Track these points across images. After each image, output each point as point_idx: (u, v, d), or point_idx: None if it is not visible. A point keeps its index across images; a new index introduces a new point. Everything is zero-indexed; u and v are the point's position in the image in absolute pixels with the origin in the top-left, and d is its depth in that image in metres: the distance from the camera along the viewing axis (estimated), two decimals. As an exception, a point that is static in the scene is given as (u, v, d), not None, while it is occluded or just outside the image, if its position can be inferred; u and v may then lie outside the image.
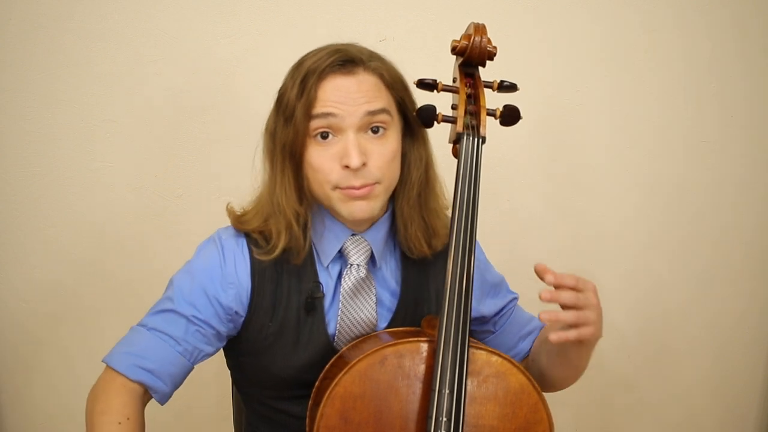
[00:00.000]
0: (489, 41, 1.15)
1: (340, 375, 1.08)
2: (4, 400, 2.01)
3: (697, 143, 2.11)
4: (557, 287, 1.08)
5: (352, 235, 1.25)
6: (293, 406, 1.27)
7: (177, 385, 1.23)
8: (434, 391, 1.06)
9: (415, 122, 1.23)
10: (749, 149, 2.14)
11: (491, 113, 1.15)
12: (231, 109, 1.88)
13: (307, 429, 1.14)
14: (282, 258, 1.23)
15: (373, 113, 1.14)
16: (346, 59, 1.15)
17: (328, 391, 1.08)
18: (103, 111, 1.85)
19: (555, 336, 1.07)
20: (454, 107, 1.18)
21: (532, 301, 2.05)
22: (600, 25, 2.00)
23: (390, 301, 1.29)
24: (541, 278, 1.07)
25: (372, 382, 1.09)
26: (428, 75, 1.18)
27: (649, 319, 2.23)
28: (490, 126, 1.13)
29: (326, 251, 1.25)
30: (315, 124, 1.14)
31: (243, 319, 1.24)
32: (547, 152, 2.07)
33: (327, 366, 1.18)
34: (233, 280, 1.22)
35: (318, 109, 1.13)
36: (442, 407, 1.06)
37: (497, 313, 1.40)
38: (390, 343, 1.10)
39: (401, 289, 1.29)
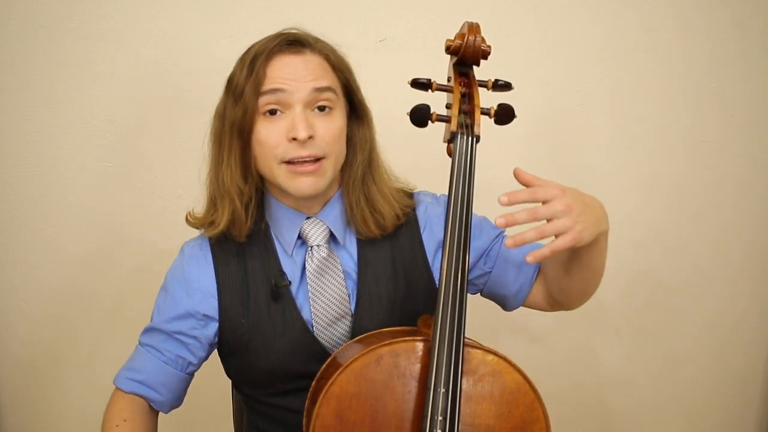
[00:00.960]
0: (483, 40, 1.15)
1: (336, 374, 1.09)
2: (4, 400, 2.02)
3: (697, 143, 2.11)
4: (512, 204, 1.02)
5: (307, 218, 1.27)
6: (289, 400, 1.28)
7: (174, 392, 1.31)
8: (430, 390, 1.06)
9: (360, 105, 1.27)
10: (749, 149, 2.14)
11: (485, 112, 1.15)
12: (231, 109, 1.88)
13: (303, 428, 1.14)
14: (244, 251, 1.27)
15: (320, 89, 1.18)
16: (294, 40, 1.20)
17: (324, 391, 1.08)
18: (103, 111, 1.86)
19: (530, 256, 1.01)
20: (448, 106, 1.18)
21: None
22: (600, 25, 1.99)
23: (356, 275, 1.30)
24: (520, 182, 1.06)
25: (368, 382, 1.09)
26: (428, 75, 1.18)
27: (649, 318, 2.23)
28: (486, 125, 1.13)
29: (286, 239, 1.28)
30: (264, 100, 1.18)
31: (217, 320, 1.27)
32: (547, 152, 2.07)
33: (323, 366, 1.18)
34: (197, 285, 1.27)
35: (267, 85, 1.17)
36: (438, 406, 1.06)
37: (485, 252, 1.36)
38: (385, 342, 1.10)
39: (358, 265, 1.30)
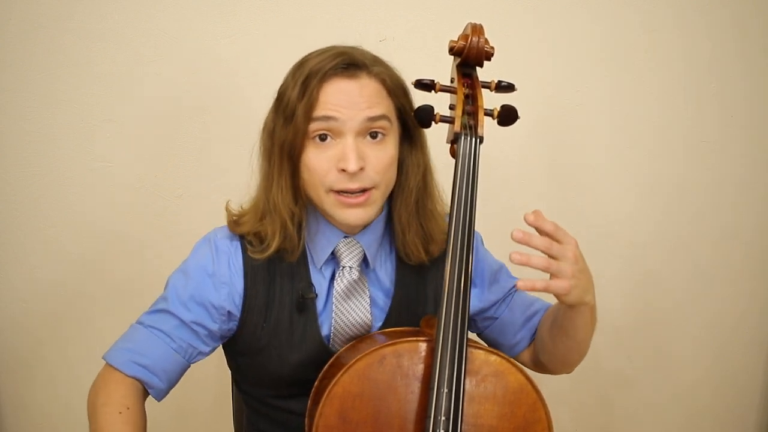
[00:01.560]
0: (486, 41, 1.15)
1: (339, 374, 1.08)
2: (4, 400, 2.02)
3: (697, 143, 2.11)
4: (535, 229, 1.05)
5: (345, 237, 1.25)
6: (292, 403, 1.27)
7: (172, 381, 1.25)
8: (433, 390, 1.06)
9: (414, 128, 1.24)
10: (749, 149, 2.14)
11: (489, 113, 1.14)
12: (231, 109, 1.88)
13: (306, 428, 1.14)
14: (275, 258, 1.23)
15: (373, 119, 1.14)
16: (350, 63, 1.15)
17: (327, 391, 1.08)
18: (103, 111, 1.85)
19: (522, 282, 1.02)
20: (451, 107, 1.18)
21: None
22: (600, 25, 1.99)
23: (384, 302, 1.29)
24: (527, 222, 1.06)
25: (371, 382, 1.09)
26: (428, 75, 1.18)
27: (649, 318, 2.23)
28: (489, 126, 1.13)
29: (319, 253, 1.26)
30: (315, 126, 1.14)
31: (237, 319, 1.25)
32: (547, 152, 2.07)
33: (326, 366, 1.18)
34: (225, 280, 1.23)
35: (319, 111, 1.13)
36: (441, 406, 1.06)
37: (498, 300, 1.38)
38: (389, 342, 1.10)
39: (395, 289, 1.29)
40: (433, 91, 1.17)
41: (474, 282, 1.35)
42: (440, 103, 1.20)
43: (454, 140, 1.14)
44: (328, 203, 1.17)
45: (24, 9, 1.77)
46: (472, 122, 1.13)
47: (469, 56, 1.15)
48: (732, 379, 2.33)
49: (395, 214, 1.27)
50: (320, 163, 1.15)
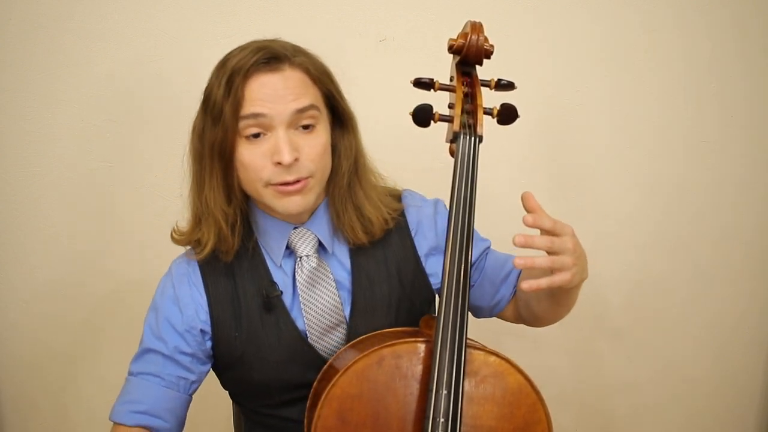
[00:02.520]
0: (486, 39, 1.14)
1: (337, 376, 1.09)
2: (5, 400, 2.02)
3: (697, 143, 2.11)
4: (534, 227, 1.06)
5: (295, 228, 1.26)
6: (287, 410, 1.28)
7: (179, 417, 1.28)
8: (432, 391, 1.06)
9: (344, 113, 1.25)
10: (749, 149, 2.13)
11: (488, 112, 1.14)
12: (231, 109, 1.88)
13: (305, 430, 1.14)
14: (234, 265, 1.26)
15: (301, 111, 1.15)
16: (271, 56, 1.15)
17: (326, 392, 1.08)
18: (103, 111, 1.85)
19: (526, 284, 1.02)
20: (450, 106, 1.18)
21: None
22: (600, 25, 1.99)
23: (349, 283, 1.29)
24: (525, 207, 1.07)
25: (369, 383, 1.09)
26: (428, 75, 1.18)
27: (649, 318, 2.23)
28: (488, 125, 1.13)
29: (274, 250, 1.27)
30: (244, 124, 1.14)
31: (210, 335, 1.26)
32: (547, 152, 2.07)
33: (324, 368, 1.18)
34: (188, 300, 1.25)
35: (246, 109, 1.14)
36: (440, 407, 1.06)
37: (473, 265, 1.36)
38: (387, 343, 1.10)
39: (352, 270, 1.29)
40: (432, 90, 1.17)
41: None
42: (439, 102, 1.20)
43: (453, 139, 1.13)
44: (267, 196, 1.18)
45: (24, 9, 1.77)
46: (471, 121, 1.13)
47: (469, 54, 1.15)
48: (732, 379, 2.32)
49: (330, 198, 1.28)
50: (255, 159, 1.16)
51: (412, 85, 1.18)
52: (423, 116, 1.15)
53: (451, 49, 1.18)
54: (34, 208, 1.89)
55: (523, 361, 1.16)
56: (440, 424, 1.06)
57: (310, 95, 1.17)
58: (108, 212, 1.91)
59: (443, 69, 1.27)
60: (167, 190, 1.92)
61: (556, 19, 1.97)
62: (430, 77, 1.16)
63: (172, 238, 1.31)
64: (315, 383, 1.17)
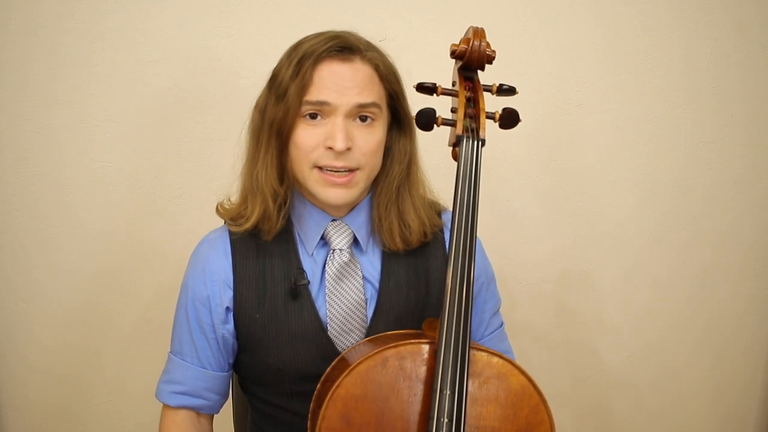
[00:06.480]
0: (488, 45, 1.16)
1: (342, 377, 1.09)
2: (4, 400, 2.02)
3: (697, 143, 2.11)
4: None
5: (333, 220, 1.27)
6: (297, 403, 1.27)
7: (220, 392, 1.33)
8: (435, 392, 1.06)
9: (404, 116, 1.25)
10: (749, 149, 2.14)
11: (490, 116, 1.15)
12: (231, 109, 1.88)
13: (308, 430, 1.14)
14: (264, 248, 1.26)
15: (363, 106, 1.17)
16: (344, 46, 1.17)
17: (330, 393, 1.08)
18: (103, 111, 1.85)
19: None
20: (453, 110, 1.19)
21: (524, 303, 2.06)
22: (600, 25, 1.99)
23: (377, 285, 1.29)
24: None
25: (373, 384, 1.09)
26: (428, 75, 1.18)
27: (649, 319, 2.23)
28: (490, 128, 1.14)
29: (309, 238, 1.27)
30: (306, 106, 1.16)
31: (233, 312, 1.27)
32: (547, 152, 2.07)
33: (328, 369, 1.18)
34: (214, 276, 1.27)
35: (311, 94, 1.15)
36: (444, 408, 1.06)
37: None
38: (391, 344, 1.10)
39: (382, 273, 1.29)
40: (435, 95, 1.18)
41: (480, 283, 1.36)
42: (442, 106, 1.20)
43: (455, 143, 1.14)
44: (312, 180, 1.19)
45: (24, 9, 1.77)
46: (473, 125, 1.14)
47: (471, 60, 1.16)
48: (732, 380, 2.33)
49: (375, 199, 1.29)
50: (308, 139, 1.17)
51: (414, 89, 1.18)
52: (426, 120, 1.16)
53: (454, 55, 1.19)
54: (34, 208, 1.89)
55: (522, 361, 1.17)
56: (444, 424, 1.06)
57: (375, 92, 1.19)
58: (107, 212, 1.91)
59: (444, 69, 1.27)
60: (167, 190, 1.92)
61: (556, 18, 1.97)
62: (433, 82, 1.17)
63: (217, 210, 1.33)
64: (319, 384, 1.17)
